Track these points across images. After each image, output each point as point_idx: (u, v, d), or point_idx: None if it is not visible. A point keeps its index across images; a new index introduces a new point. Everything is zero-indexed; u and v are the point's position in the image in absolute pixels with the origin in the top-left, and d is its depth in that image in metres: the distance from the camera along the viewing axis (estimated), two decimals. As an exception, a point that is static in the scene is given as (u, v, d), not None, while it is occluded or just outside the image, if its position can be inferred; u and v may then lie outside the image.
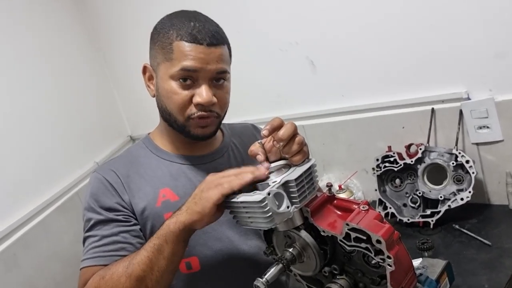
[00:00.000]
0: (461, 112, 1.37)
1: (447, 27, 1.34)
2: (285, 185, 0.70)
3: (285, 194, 0.69)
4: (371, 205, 1.39)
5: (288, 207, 0.68)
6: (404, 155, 1.46)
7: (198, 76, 0.89)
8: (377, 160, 1.48)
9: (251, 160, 1.01)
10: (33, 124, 1.83)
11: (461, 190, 1.34)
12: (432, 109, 1.43)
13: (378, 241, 0.63)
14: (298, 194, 0.69)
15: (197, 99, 0.89)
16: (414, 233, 1.38)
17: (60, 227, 1.78)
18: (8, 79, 1.76)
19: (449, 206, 1.33)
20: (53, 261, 1.71)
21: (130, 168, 0.98)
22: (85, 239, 0.91)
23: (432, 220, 1.35)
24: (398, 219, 1.43)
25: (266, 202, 0.65)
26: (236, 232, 0.98)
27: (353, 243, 0.67)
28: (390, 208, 1.45)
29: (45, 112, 1.91)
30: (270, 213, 0.66)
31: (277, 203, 0.68)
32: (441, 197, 1.36)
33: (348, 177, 1.70)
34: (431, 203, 1.41)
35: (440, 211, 1.34)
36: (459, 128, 1.38)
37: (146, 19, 2.13)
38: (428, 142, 1.44)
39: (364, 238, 0.65)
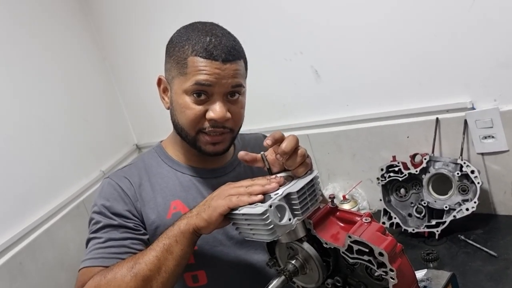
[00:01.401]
0: (465, 122, 1.37)
1: (451, 37, 1.34)
2: (287, 197, 0.70)
3: (287, 207, 0.69)
4: (376, 215, 1.39)
5: (290, 219, 0.68)
6: (409, 165, 1.46)
7: (213, 91, 0.87)
8: (382, 170, 1.48)
9: (262, 174, 1.02)
10: (39, 133, 1.85)
11: (467, 200, 1.33)
12: (437, 118, 1.43)
13: (381, 254, 0.63)
14: (300, 206, 0.70)
15: (210, 115, 0.88)
16: (419, 244, 1.37)
17: (66, 235, 1.79)
18: (16, 89, 1.78)
19: (454, 216, 1.32)
20: (59, 270, 1.72)
21: (142, 177, 0.97)
22: (89, 240, 0.89)
23: (437, 231, 1.34)
24: (403, 229, 1.42)
25: (267, 214, 0.66)
26: (244, 246, 0.97)
27: (355, 256, 0.67)
28: (395, 218, 1.44)
29: (52, 121, 1.93)
30: (272, 226, 0.66)
31: (279, 215, 0.68)
32: (446, 207, 1.35)
33: (353, 187, 1.70)
34: (436, 213, 1.40)
35: (445, 222, 1.33)
36: (464, 138, 1.37)
37: (152, 28, 2.16)
38: (433, 152, 1.43)
39: (367, 250, 0.65)
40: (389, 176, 1.46)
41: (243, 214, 0.70)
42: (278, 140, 0.74)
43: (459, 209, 1.32)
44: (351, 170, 1.74)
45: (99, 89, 2.31)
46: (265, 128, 1.93)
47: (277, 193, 0.70)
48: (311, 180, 0.73)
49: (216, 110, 0.87)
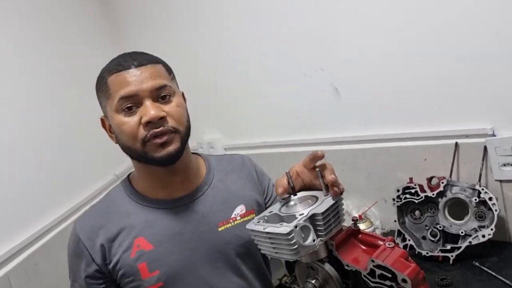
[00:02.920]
0: (485, 148, 1.36)
1: (475, 62, 1.35)
2: (311, 217, 0.70)
3: (311, 227, 0.69)
4: (388, 235, 1.39)
5: (314, 240, 0.69)
6: (426, 188, 1.46)
7: (139, 99, 0.87)
8: (398, 191, 1.48)
9: (235, 195, 1.01)
10: (57, 137, 1.88)
11: (483, 227, 1.32)
12: (456, 143, 1.43)
13: (404, 280, 0.63)
14: (324, 227, 0.70)
15: (144, 119, 0.86)
16: (432, 268, 1.36)
17: (79, 237, 1.81)
18: (36, 93, 1.81)
19: (470, 242, 1.31)
20: (70, 271, 1.74)
21: (107, 217, 0.95)
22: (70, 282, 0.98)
23: (452, 256, 1.34)
24: (416, 252, 1.41)
25: (292, 235, 0.66)
26: (217, 274, 0.95)
27: (377, 280, 0.67)
28: (409, 240, 1.44)
29: (70, 126, 1.96)
30: (296, 246, 0.67)
31: (303, 235, 0.68)
32: (462, 232, 1.34)
33: (368, 207, 1.69)
34: (451, 237, 1.39)
35: (460, 247, 1.33)
36: (483, 164, 1.37)
37: (171, 33, 2.19)
38: (450, 176, 1.43)
39: (389, 276, 0.65)
40: (405, 198, 1.46)
41: (267, 233, 0.70)
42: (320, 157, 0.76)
43: (475, 235, 1.31)
44: (365, 188, 1.74)
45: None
46: (281, 141, 1.95)
47: (302, 213, 0.70)
48: (336, 202, 0.73)
49: (147, 112, 0.86)
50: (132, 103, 0.87)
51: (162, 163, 0.90)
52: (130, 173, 1.04)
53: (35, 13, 1.89)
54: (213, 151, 2.14)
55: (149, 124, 0.86)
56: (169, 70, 0.95)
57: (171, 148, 0.88)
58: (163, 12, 2.17)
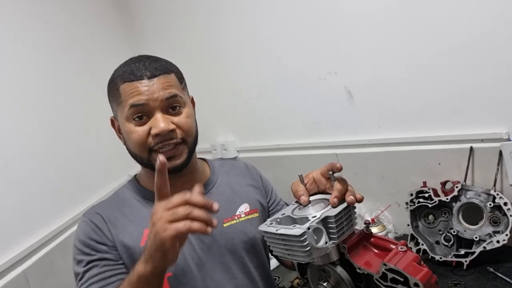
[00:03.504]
0: (500, 152, 1.35)
1: (491, 67, 1.34)
2: (324, 220, 0.71)
3: (324, 230, 0.70)
4: (401, 239, 1.39)
5: (326, 242, 0.69)
6: (439, 192, 1.45)
7: (149, 109, 0.89)
8: (411, 195, 1.47)
9: (239, 194, 1.03)
10: (73, 138, 1.91)
11: (498, 232, 1.31)
12: (471, 147, 1.42)
13: (416, 285, 0.63)
14: (336, 230, 0.71)
15: (153, 131, 0.88)
16: (445, 273, 1.35)
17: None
18: (51, 95, 1.84)
19: (484, 247, 1.30)
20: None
21: (115, 209, 0.97)
22: (75, 274, 0.93)
23: (465, 261, 1.33)
24: (430, 257, 1.40)
25: (305, 236, 0.67)
26: (221, 272, 0.95)
27: (389, 284, 0.68)
28: (422, 244, 1.43)
29: (86, 128, 1.99)
30: (309, 248, 0.67)
31: (315, 238, 0.69)
32: (476, 237, 1.33)
33: (382, 210, 1.69)
34: (465, 242, 1.38)
35: (474, 252, 1.32)
36: (498, 169, 1.36)
37: (187, 39, 2.22)
38: (465, 180, 1.42)
39: (401, 279, 0.66)
40: (419, 202, 1.46)
41: (280, 235, 0.71)
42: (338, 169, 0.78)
43: (489, 240, 1.30)
44: (378, 192, 1.74)
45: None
46: (294, 144, 1.95)
47: (315, 216, 0.71)
48: (348, 205, 0.74)
49: (157, 124, 0.88)
50: (142, 112, 0.89)
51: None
52: (137, 174, 1.06)
53: (50, 13, 1.93)
54: (226, 153, 2.16)
55: (158, 136, 0.89)
56: (180, 79, 0.97)
57: (178, 162, 0.92)
58: (179, 17, 2.20)
